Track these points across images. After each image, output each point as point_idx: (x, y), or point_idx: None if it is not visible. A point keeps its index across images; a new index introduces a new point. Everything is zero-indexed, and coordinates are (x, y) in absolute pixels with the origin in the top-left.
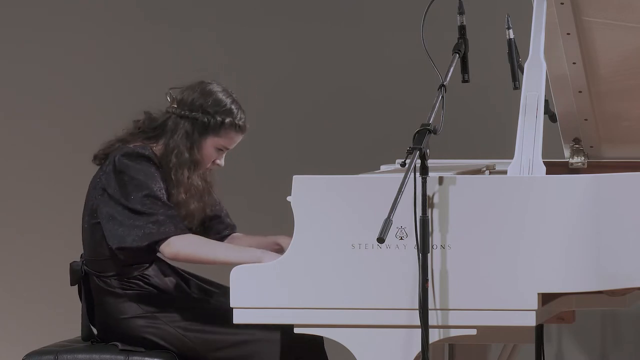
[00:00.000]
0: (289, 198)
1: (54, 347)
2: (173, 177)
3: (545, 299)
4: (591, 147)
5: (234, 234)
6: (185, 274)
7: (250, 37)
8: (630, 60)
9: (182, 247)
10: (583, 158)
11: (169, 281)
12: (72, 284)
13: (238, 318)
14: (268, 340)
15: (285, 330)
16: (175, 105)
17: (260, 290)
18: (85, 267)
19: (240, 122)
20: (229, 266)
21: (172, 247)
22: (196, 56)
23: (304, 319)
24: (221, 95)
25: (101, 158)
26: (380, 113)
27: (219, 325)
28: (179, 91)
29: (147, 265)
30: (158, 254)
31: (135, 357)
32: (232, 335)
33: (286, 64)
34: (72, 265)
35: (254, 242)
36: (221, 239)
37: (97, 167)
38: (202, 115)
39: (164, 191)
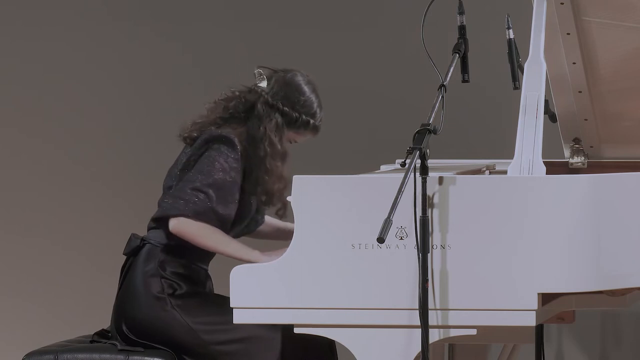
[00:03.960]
0: (289, 198)
1: (54, 347)
2: (268, 165)
3: (545, 299)
4: (591, 147)
5: (267, 218)
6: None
7: (251, 37)
8: (630, 61)
9: (187, 226)
10: (583, 158)
11: (200, 276)
12: (124, 253)
13: (238, 318)
14: (272, 338)
15: (289, 330)
16: (267, 91)
17: (259, 290)
18: (146, 238)
19: (319, 124)
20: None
21: (180, 224)
22: (200, 54)
23: (303, 319)
24: (311, 96)
25: (191, 139)
26: (380, 113)
27: (224, 319)
28: (269, 74)
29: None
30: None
31: (135, 357)
32: (237, 330)
33: (286, 64)
34: (132, 236)
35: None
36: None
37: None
38: (291, 111)
39: (233, 187)
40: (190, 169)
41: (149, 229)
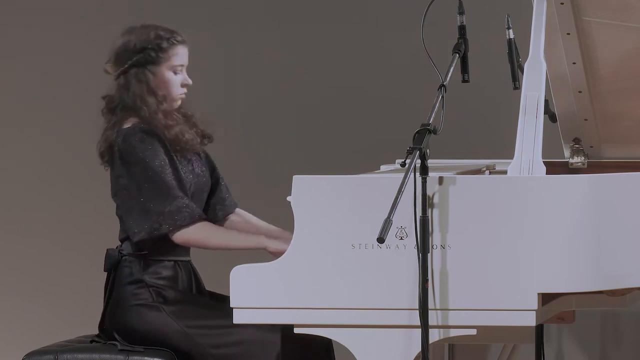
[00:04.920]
0: (289, 198)
1: (54, 347)
2: (156, 123)
3: (545, 299)
4: (591, 147)
5: (237, 210)
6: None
7: (250, 37)
8: (630, 61)
9: (192, 235)
10: (583, 158)
11: (182, 275)
12: (105, 270)
13: (238, 318)
14: (269, 341)
15: (287, 330)
16: (116, 67)
17: (259, 290)
18: (122, 250)
19: (177, 37)
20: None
21: (182, 234)
22: (195, 56)
23: (303, 319)
24: (142, 30)
25: (108, 154)
26: (380, 113)
27: (220, 322)
28: (111, 57)
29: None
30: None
31: (135, 357)
32: (233, 333)
33: (286, 64)
34: (108, 251)
35: (261, 229)
36: (225, 216)
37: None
38: (141, 54)
39: (169, 171)
40: (136, 179)
41: (122, 240)
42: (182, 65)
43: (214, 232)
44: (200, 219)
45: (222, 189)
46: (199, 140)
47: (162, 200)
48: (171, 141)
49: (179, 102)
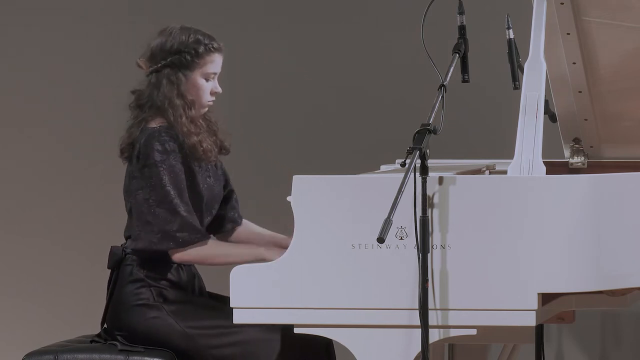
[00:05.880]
0: (289, 198)
1: (54, 347)
2: (179, 127)
3: (545, 299)
4: (591, 147)
5: (244, 222)
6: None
7: (251, 38)
8: (630, 61)
9: (190, 256)
10: (583, 158)
11: (184, 276)
12: (108, 267)
13: (238, 318)
14: (269, 340)
15: (287, 330)
16: (150, 64)
17: (259, 290)
18: (126, 248)
19: (214, 44)
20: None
21: (181, 256)
22: None
23: (303, 319)
24: (181, 32)
25: (128, 150)
26: (380, 113)
27: (221, 322)
28: (146, 53)
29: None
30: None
31: (135, 357)
32: (234, 333)
33: (286, 64)
34: (112, 249)
35: (265, 237)
36: (233, 228)
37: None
38: (176, 56)
39: (182, 185)
40: (147, 185)
41: (127, 238)
42: (215, 73)
43: (212, 252)
44: (201, 240)
45: (233, 203)
46: (216, 150)
47: (165, 217)
48: (188, 149)
49: (206, 110)
